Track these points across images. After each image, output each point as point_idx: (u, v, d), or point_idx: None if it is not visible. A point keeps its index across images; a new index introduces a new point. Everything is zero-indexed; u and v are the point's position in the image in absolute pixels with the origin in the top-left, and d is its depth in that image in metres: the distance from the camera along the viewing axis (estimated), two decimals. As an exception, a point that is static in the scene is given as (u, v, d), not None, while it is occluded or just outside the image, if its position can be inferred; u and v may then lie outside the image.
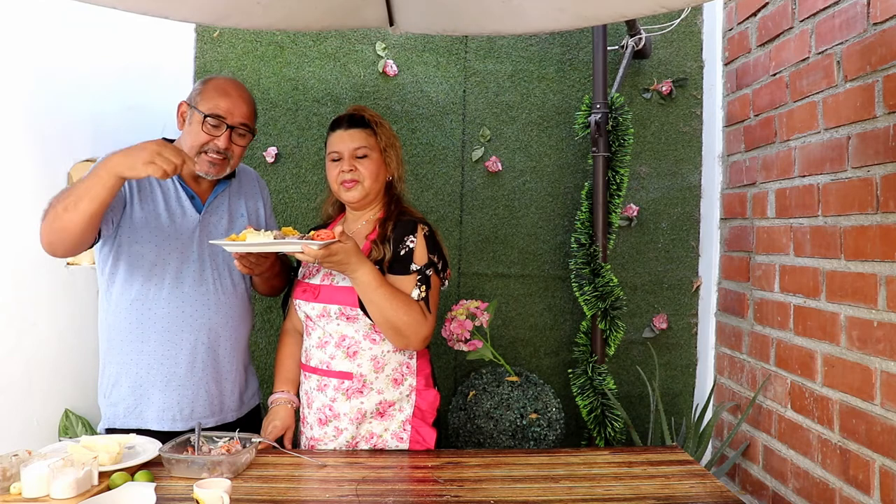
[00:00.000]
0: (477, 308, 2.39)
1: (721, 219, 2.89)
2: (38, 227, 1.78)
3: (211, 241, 1.91)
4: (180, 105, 2.00)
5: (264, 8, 2.04)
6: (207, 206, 2.01)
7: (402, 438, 1.95)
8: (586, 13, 2.06)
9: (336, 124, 2.03)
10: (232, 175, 2.09)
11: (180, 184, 1.99)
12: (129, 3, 1.92)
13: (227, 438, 1.80)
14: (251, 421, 2.10)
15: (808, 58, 2.23)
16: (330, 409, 1.93)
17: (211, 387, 1.98)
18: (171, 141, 2.04)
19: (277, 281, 2.14)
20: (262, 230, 1.90)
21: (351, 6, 2.17)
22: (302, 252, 1.75)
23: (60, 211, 1.72)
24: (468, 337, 2.37)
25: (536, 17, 2.10)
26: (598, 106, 2.72)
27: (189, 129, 1.95)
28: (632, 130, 2.76)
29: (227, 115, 1.93)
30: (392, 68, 2.87)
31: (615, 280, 2.72)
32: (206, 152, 1.93)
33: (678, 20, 2.89)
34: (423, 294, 1.91)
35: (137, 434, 1.85)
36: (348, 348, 1.92)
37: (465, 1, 2.12)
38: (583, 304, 2.74)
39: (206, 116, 1.91)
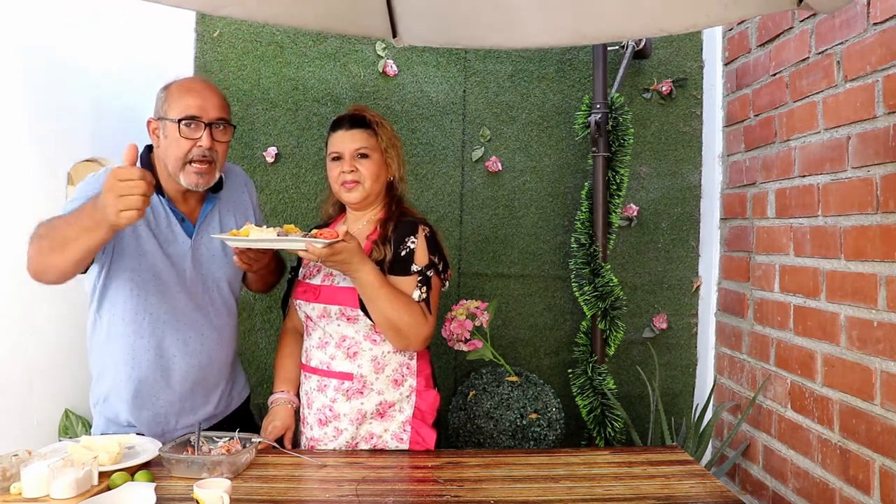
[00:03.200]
0: (477, 308, 2.39)
1: (721, 219, 2.89)
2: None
3: (213, 236, 1.88)
4: (149, 123, 1.85)
5: (260, 0, 2.02)
6: (198, 228, 1.92)
7: (401, 439, 1.95)
8: (586, 31, 2.09)
9: (337, 124, 2.03)
10: (220, 186, 1.97)
11: (170, 207, 1.88)
12: None
13: (227, 438, 1.80)
14: (237, 414, 2.07)
15: (808, 58, 2.23)
16: (330, 410, 1.93)
17: (198, 402, 1.95)
18: (151, 149, 1.92)
19: (272, 277, 2.14)
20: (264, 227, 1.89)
21: (352, 13, 2.17)
22: (306, 250, 1.74)
23: (46, 249, 1.63)
24: (468, 337, 2.37)
25: (536, 32, 2.12)
26: (598, 106, 2.72)
27: (166, 142, 1.81)
28: (632, 130, 2.76)
29: (201, 112, 1.79)
30: (392, 68, 2.87)
31: (615, 280, 2.72)
32: (189, 162, 1.80)
33: (678, 20, 2.89)
34: (424, 295, 1.91)
35: None
36: (348, 349, 1.92)
37: (467, 15, 2.13)
38: (583, 304, 2.74)
39: (179, 121, 1.77)
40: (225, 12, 2.10)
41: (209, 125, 1.81)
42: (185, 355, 1.90)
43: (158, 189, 1.86)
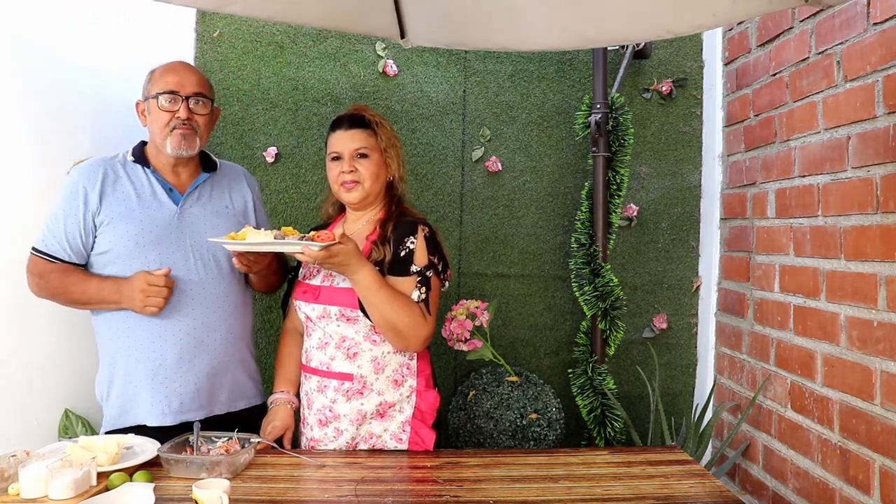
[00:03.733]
0: (477, 308, 2.39)
1: (721, 219, 2.89)
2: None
3: (210, 239, 1.90)
4: (137, 104, 2.02)
5: None
6: (186, 196, 2.00)
7: (401, 439, 1.95)
8: (588, 34, 2.10)
9: (336, 124, 2.03)
10: (213, 167, 2.09)
11: (155, 176, 1.99)
12: None
13: (226, 438, 1.80)
14: (246, 419, 2.05)
15: (808, 58, 2.23)
16: (330, 411, 1.93)
17: (201, 380, 1.95)
18: (146, 143, 2.04)
19: (274, 278, 2.14)
20: (259, 228, 1.90)
21: (358, 11, 2.17)
22: (302, 253, 1.75)
23: (59, 296, 1.96)
24: (468, 337, 2.37)
25: (539, 34, 2.13)
26: (598, 106, 2.72)
27: (150, 118, 1.98)
28: (632, 130, 2.75)
29: (178, 87, 1.95)
30: (392, 68, 2.87)
31: (615, 280, 2.72)
32: (173, 129, 1.94)
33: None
34: (424, 296, 1.91)
35: (133, 431, 1.84)
36: (348, 349, 1.92)
37: (473, 16, 2.14)
38: (583, 304, 2.74)
39: (158, 95, 1.94)
40: (230, 10, 2.12)
41: (186, 99, 1.95)
42: (173, 320, 1.92)
43: (146, 164, 2.01)
